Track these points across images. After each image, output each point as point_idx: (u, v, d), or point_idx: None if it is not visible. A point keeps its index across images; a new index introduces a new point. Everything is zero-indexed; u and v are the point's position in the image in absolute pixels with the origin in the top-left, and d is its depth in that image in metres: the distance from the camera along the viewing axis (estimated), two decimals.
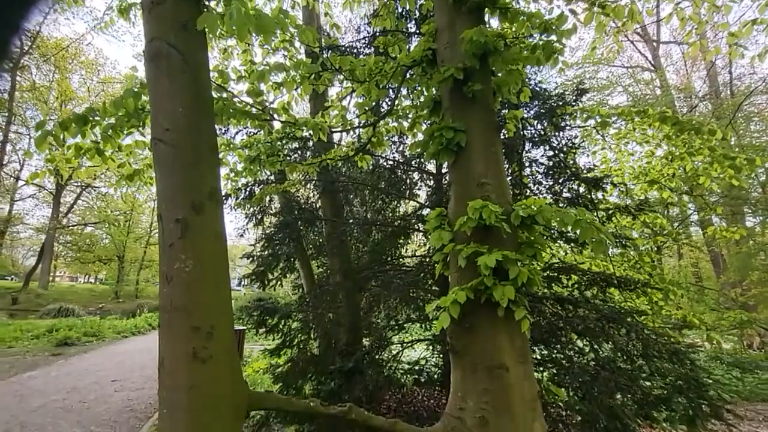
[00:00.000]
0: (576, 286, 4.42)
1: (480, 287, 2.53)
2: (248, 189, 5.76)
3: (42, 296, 23.52)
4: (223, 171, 3.74)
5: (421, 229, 5.83)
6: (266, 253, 5.53)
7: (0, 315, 15.55)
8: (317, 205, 6.56)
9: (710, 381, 3.66)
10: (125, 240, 28.34)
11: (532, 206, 2.57)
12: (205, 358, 2.15)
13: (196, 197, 2.21)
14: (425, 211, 5.89)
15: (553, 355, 3.86)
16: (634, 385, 3.67)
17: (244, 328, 7.27)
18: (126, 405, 6.25)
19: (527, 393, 2.68)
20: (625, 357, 3.85)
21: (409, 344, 5.18)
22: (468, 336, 2.73)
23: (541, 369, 3.89)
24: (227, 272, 2.38)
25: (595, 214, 4.61)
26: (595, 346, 3.55)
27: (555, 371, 3.75)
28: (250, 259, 5.35)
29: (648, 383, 3.89)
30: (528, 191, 4.98)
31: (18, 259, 39.77)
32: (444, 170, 5.52)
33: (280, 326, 4.74)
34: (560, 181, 5.04)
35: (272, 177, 5.99)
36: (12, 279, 31.95)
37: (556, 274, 4.50)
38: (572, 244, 5.03)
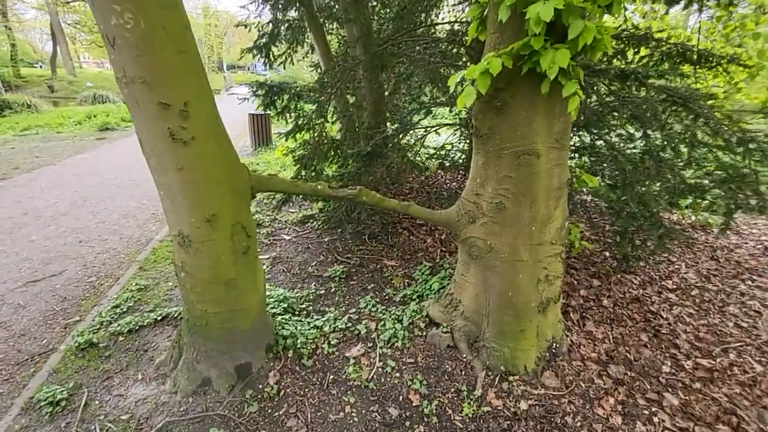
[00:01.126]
0: (645, 60, 3.55)
1: (523, 52, 1.89)
2: None
3: (74, 83, 23.76)
4: None
5: None
6: (262, 18, 4.64)
7: (43, 102, 16.09)
8: None
9: None
10: None
11: None
12: (186, 140, 1.87)
13: None
14: None
15: (595, 142, 3.44)
16: (674, 173, 3.35)
17: (269, 112, 7.05)
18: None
19: (555, 181, 2.41)
20: (672, 146, 3.40)
21: (434, 128, 4.83)
22: (496, 116, 2.28)
23: (577, 156, 3.57)
24: (188, 33, 1.82)
25: None
26: (648, 132, 3.05)
27: (592, 159, 3.42)
28: (247, 28, 4.53)
29: (688, 172, 3.57)
30: None
31: (37, 45, 38.69)
32: None
33: (291, 108, 4.39)
34: None
35: None
36: (41, 66, 31.83)
37: (623, 45, 3.57)
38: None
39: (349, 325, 2.90)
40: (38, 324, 3.11)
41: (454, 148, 6.66)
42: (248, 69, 44.18)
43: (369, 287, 3.50)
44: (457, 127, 5.75)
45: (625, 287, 3.60)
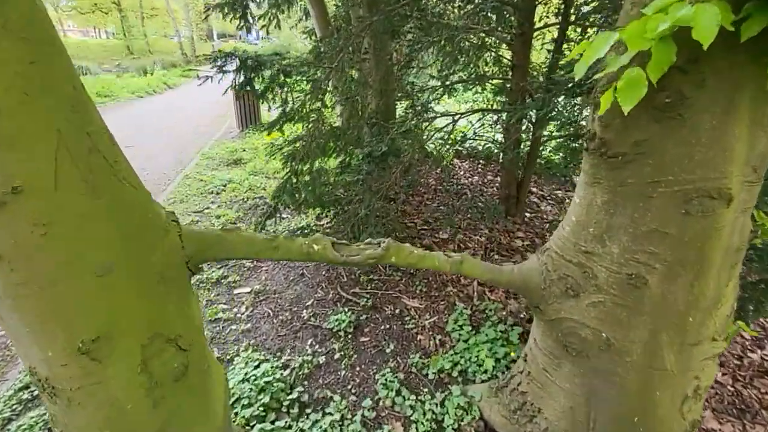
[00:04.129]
0: None
1: None
2: None
3: None
4: None
5: None
6: None
7: None
8: None
9: None
10: None
11: None
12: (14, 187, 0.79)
13: None
14: None
15: None
16: None
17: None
18: (140, 176, 5.73)
19: (736, 239, 1.37)
20: None
21: (463, 115, 3.70)
22: (655, 124, 1.18)
23: None
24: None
25: None
26: None
27: None
28: None
29: None
30: None
31: None
32: None
33: (277, 87, 3.24)
34: None
35: None
36: None
37: None
38: None
39: None
40: None
41: (476, 134, 5.53)
42: (240, 38, 41.68)
43: (387, 349, 2.49)
44: (490, 114, 4.60)
45: None
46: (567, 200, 4.88)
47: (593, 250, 1.45)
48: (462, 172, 5.92)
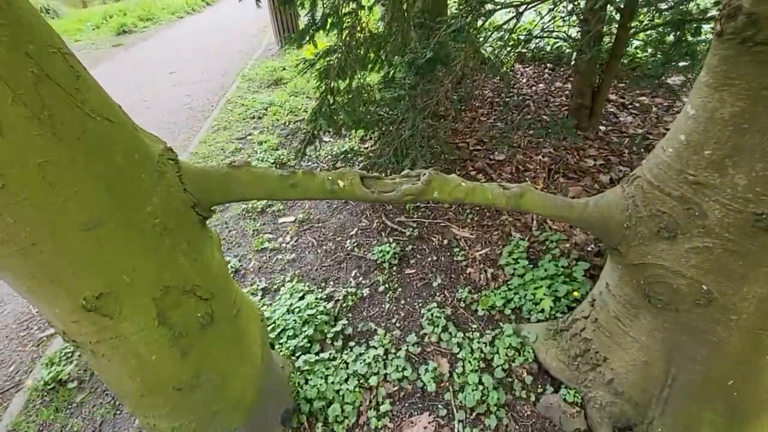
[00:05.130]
0: None
1: None
2: None
3: None
4: None
5: None
6: None
7: (61, 4, 14.75)
8: None
9: None
10: None
11: None
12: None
13: None
14: None
15: None
16: None
17: None
18: (184, 103, 5.71)
19: None
20: None
21: (530, 5, 3.00)
22: None
23: None
24: None
25: None
26: None
27: None
28: None
29: None
30: None
31: None
32: None
33: None
34: None
35: None
36: None
37: None
38: None
39: (408, 371, 1.85)
40: None
41: (543, 30, 4.62)
42: None
43: (434, 283, 2.35)
44: (563, 2, 3.73)
45: None
46: (654, 108, 4.09)
47: (707, 180, 1.07)
48: (525, 80, 5.16)
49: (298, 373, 1.78)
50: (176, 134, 4.81)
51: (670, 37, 3.20)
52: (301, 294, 2.28)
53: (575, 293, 1.97)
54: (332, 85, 2.86)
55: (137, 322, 0.99)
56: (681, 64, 2.92)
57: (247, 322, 1.39)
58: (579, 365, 1.64)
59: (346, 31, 2.93)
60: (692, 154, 1.09)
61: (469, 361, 1.84)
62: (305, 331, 1.98)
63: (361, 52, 3.07)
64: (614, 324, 1.50)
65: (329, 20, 2.92)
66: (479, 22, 3.24)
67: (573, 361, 1.67)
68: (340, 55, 2.87)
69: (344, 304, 2.26)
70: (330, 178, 1.14)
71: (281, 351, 1.91)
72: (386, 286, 2.37)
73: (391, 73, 3.50)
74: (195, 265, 1.08)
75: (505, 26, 3.35)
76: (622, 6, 2.93)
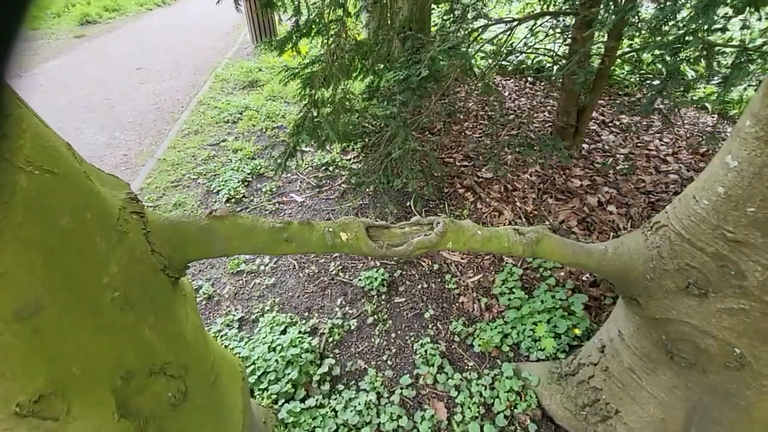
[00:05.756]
0: None
1: None
2: None
3: None
4: None
5: None
6: None
7: None
8: None
9: None
10: None
11: None
12: None
13: None
14: None
15: None
16: None
17: None
18: (152, 102, 5.32)
19: None
20: None
21: (522, 21, 2.92)
22: None
23: None
24: None
25: None
26: None
27: None
28: None
29: None
30: None
31: None
32: None
33: None
34: None
35: None
36: None
37: None
38: None
39: (404, 419, 1.69)
40: None
41: (526, 45, 4.60)
42: None
43: (426, 314, 2.21)
44: (546, 18, 3.69)
45: None
46: (633, 127, 4.14)
47: (747, 239, 0.98)
48: (507, 93, 5.14)
49: (283, 428, 1.59)
50: (143, 137, 4.46)
51: (674, 57, 3.21)
52: (282, 327, 2.08)
53: (576, 330, 1.89)
54: (316, 96, 2.67)
55: (92, 420, 0.78)
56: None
57: (227, 387, 1.19)
58: (587, 415, 1.54)
59: (332, 39, 2.75)
60: (732, 209, 1.00)
61: (469, 407, 1.71)
62: (289, 374, 1.79)
63: (346, 61, 2.90)
64: (628, 376, 1.41)
65: (314, 27, 2.74)
66: (471, 36, 3.15)
67: (581, 411, 1.57)
68: (324, 64, 2.69)
69: (330, 339, 2.08)
70: (331, 230, 0.97)
71: (262, 399, 1.71)
72: (375, 317, 2.21)
73: (376, 82, 3.35)
74: (165, 337, 0.89)
75: (494, 40, 3.27)
76: (609, 28, 2.90)
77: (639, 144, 3.87)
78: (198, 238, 0.89)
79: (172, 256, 0.86)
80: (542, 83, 5.29)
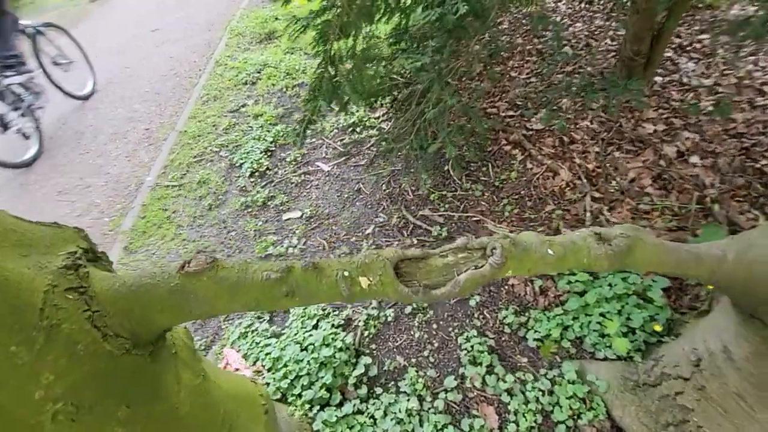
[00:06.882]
0: None
1: None
2: None
3: None
4: None
5: None
6: None
7: None
8: None
9: None
10: None
11: None
12: None
13: None
14: None
15: None
16: None
17: None
18: (170, 68, 5.07)
19: None
20: None
21: None
22: None
23: None
24: None
25: None
26: None
27: None
28: None
29: None
30: None
31: None
32: None
33: None
34: None
35: None
36: None
37: None
38: None
39: (450, 429, 1.53)
40: None
41: None
42: None
43: (471, 300, 1.97)
44: None
45: None
46: (721, 50, 3.37)
47: None
48: (558, 18, 4.36)
49: None
50: (163, 108, 4.29)
51: None
52: (314, 320, 1.93)
53: (656, 326, 1.58)
54: (332, 52, 2.29)
55: None
56: None
57: (248, 429, 1.04)
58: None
59: None
60: None
61: (524, 415, 1.51)
62: (322, 377, 1.66)
63: (368, 1, 2.45)
64: (733, 401, 1.12)
65: None
66: None
67: (662, 430, 1.31)
68: (340, 8, 2.27)
69: (366, 332, 1.92)
70: (347, 273, 0.72)
71: (296, 406, 1.61)
72: (414, 306, 2.01)
73: (404, 23, 2.86)
74: (149, 424, 0.71)
75: None
76: None
77: (727, 72, 3.16)
78: (168, 305, 0.67)
79: (138, 331, 0.65)
80: (602, 1, 4.43)
